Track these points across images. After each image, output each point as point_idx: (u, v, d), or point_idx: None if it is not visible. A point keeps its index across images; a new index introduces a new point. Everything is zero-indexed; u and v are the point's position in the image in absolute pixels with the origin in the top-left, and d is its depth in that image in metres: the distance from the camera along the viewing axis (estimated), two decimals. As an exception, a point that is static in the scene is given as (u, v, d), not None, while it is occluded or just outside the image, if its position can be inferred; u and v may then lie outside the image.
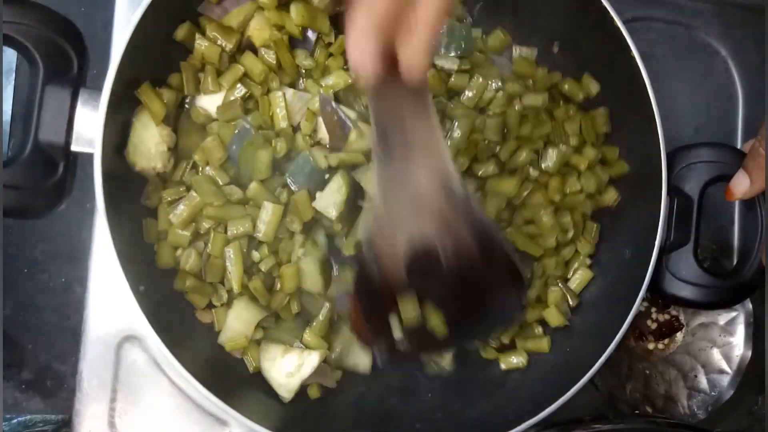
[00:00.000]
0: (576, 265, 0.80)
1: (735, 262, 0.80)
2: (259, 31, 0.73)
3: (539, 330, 0.80)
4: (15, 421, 0.82)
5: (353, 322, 0.68)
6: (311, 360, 0.71)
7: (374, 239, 0.63)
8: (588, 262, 0.80)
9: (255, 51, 0.74)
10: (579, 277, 0.80)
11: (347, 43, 0.51)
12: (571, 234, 0.78)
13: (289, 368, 0.71)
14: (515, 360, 0.78)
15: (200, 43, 0.71)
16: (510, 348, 0.80)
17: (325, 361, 0.74)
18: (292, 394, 0.72)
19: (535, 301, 0.80)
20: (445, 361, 0.78)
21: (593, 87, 0.79)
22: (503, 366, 0.79)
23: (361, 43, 0.49)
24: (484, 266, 0.65)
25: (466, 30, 0.77)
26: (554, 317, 0.78)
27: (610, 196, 0.79)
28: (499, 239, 0.66)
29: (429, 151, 0.60)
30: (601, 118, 0.79)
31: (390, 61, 0.51)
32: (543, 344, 0.78)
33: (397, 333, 0.66)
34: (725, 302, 0.77)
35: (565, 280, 0.80)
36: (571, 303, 0.79)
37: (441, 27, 0.52)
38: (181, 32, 0.71)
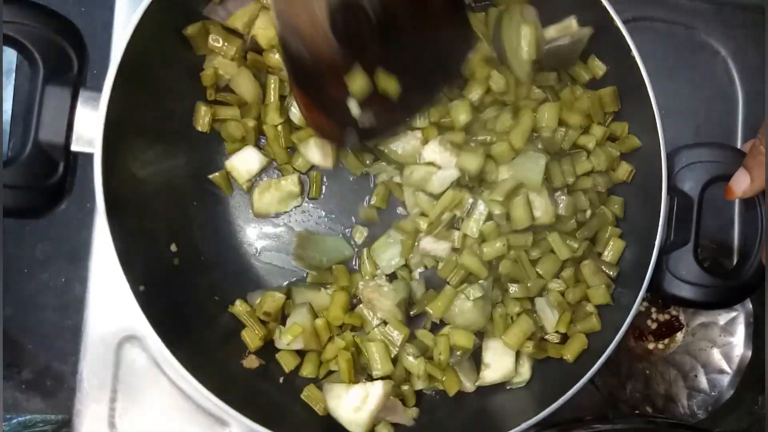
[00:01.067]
0: (606, 236, 0.77)
1: (735, 262, 0.80)
2: (264, 30, 0.73)
3: (589, 307, 0.76)
4: (15, 421, 0.82)
5: (308, 119, 0.64)
6: (375, 390, 0.70)
7: (283, 12, 0.58)
8: (618, 231, 0.78)
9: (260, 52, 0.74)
10: (612, 248, 0.77)
11: None
12: (588, 213, 0.76)
13: (354, 402, 0.70)
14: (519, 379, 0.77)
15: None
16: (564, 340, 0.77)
17: (401, 399, 0.74)
18: (363, 429, 0.71)
19: (574, 281, 0.77)
20: (524, 369, 0.77)
21: (599, 69, 0.77)
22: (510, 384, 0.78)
23: None
24: (418, 6, 0.60)
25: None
26: (599, 295, 0.75)
27: (623, 171, 0.77)
28: None
29: None
30: (609, 97, 0.77)
31: None
32: (593, 322, 0.75)
33: (355, 110, 0.62)
34: (725, 302, 0.77)
35: (599, 255, 0.78)
36: (611, 274, 0.77)
37: None
38: (191, 29, 0.72)
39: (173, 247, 0.74)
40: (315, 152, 0.76)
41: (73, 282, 0.87)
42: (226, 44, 0.73)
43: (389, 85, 0.63)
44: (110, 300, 0.77)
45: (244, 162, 0.77)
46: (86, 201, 0.80)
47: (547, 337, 0.77)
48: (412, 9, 0.60)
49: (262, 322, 0.74)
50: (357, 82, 0.61)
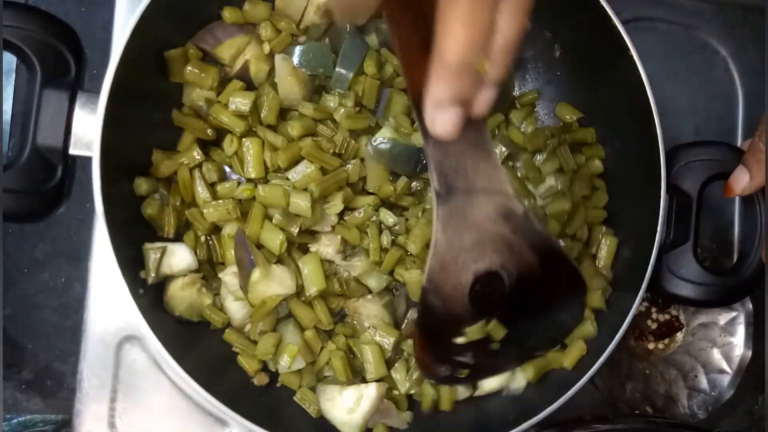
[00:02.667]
0: (598, 235, 0.78)
1: (735, 260, 0.80)
2: (256, 61, 0.73)
3: (585, 313, 0.76)
4: (15, 421, 0.82)
5: (417, 356, 0.67)
6: (370, 392, 0.70)
7: (436, 275, 0.62)
8: (603, 229, 0.78)
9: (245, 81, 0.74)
10: (605, 248, 0.77)
11: (426, 111, 0.51)
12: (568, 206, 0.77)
13: (348, 404, 0.70)
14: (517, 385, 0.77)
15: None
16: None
17: (394, 402, 0.74)
18: (356, 431, 0.71)
19: None
20: (521, 376, 0.76)
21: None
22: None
23: (440, 108, 0.50)
24: (546, 279, 0.64)
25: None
26: (593, 299, 0.75)
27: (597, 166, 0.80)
28: (559, 249, 0.65)
29: (488, 178, 0.59)
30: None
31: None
32: (590, 329, 0.75)
33: (461, 339, 0.64)
34: (725, 300, 0.77)
35: (593, 258, 0.78)
36: (607, 276, 0.77)
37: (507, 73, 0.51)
38: (173, 53, 0.71)
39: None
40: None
41: (73, 282, 0.87)
42: (202, 75, 0.72)
43: (497, 332, 0.65)
44: (110, 300, 0.77)
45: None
46: (86, 201, 0.79)
47: None
48: (541, 285, 0.64)
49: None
50: (473, 332, 0.64)
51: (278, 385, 0.74)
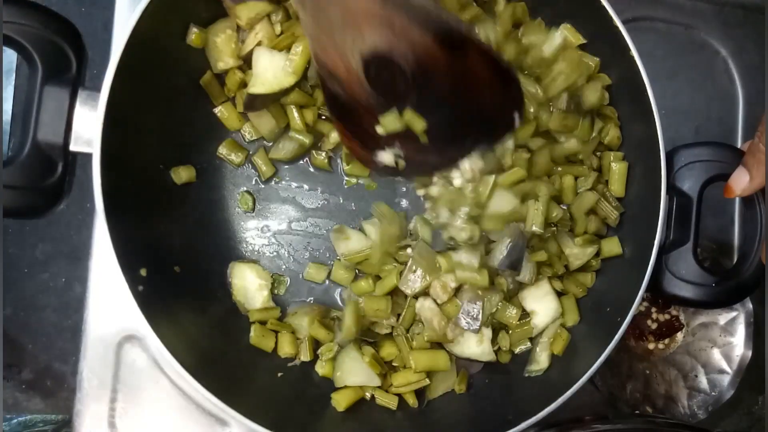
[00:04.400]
0: (607, 162, 0.78)
1: (735, 261, 0.80)
2: (268, 39, 0.74)
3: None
4: (15, 421, 0.82)
5: (347, 146, 0.67)
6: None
7: (320, 57, 0.61)
8: (620, 155, 0.77)
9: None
10: (616, 171, 0.77)
11: None
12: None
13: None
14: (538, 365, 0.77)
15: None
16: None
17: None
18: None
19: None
20: (542, 358, 0.77)
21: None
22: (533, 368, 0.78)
23: None
24: (457, 66, 0.62)
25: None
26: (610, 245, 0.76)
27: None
28: (467, 33, 0.62)
29: None
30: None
31: None
32: (587, 280, 0.78)
33: (380, 128, 0.64)
34: (725, 301, 0.77)
35: (606, 185, 0.78)
36: (613, 208, 0.77)
37: None
38: (192, 37, 0.73)
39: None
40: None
41: (73, 282, 0.87)
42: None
43: (416, 123, 0.65)
44: (110, 300, 0.77)
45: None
46: (86, 201, 0.80)
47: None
48: (451, 69, 0.63)
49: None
50: (388, 122, 0.64)
51: (279, 375, 0.75)
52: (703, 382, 0.90)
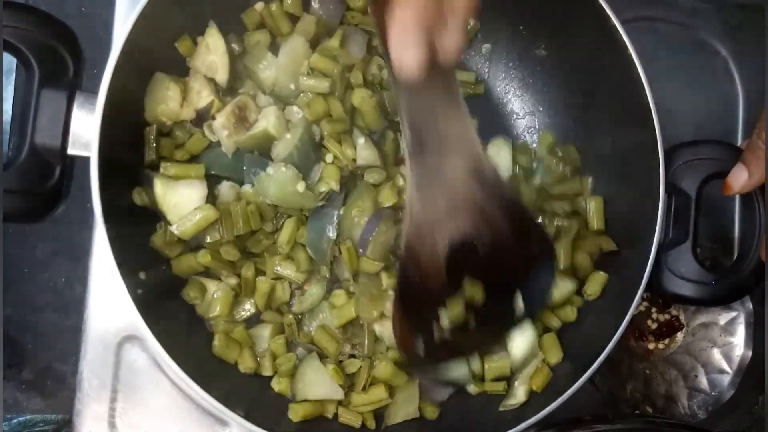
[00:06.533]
0: (586, 204, 0.79)
1: (734, 259, 0.80)
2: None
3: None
4: (15, 421, 0.82)
5: (395, 329, 0.66)
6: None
7: (412, 244, 0.61)
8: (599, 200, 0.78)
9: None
10: (593, 208, 0.78)
11: (390, 40, 0.50)
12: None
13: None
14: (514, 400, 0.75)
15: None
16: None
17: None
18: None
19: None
20: (519, 392, 0.74)
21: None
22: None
23: (405, 38, 0.49)
24: (518, 244, 0.63)
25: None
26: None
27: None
28: (528, 212, 0.64)
29: (461, 138, 0.58)
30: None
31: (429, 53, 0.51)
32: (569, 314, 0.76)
33: (445, 321, 0.64)
34: (725, 299, 0.77)
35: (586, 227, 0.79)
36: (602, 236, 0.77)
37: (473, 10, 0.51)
38: (182, 46, 0.72)
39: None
40: None
41: (73, 282, 0.87)
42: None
43: (476, 293, 0.64)
44: (110, 300, 0.77)
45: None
46: (86, 201, 0.79)
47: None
48: (514, 250, 0.64)
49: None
50: (455, 309, 0.64)
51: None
52: (703, 382, 0.90)
